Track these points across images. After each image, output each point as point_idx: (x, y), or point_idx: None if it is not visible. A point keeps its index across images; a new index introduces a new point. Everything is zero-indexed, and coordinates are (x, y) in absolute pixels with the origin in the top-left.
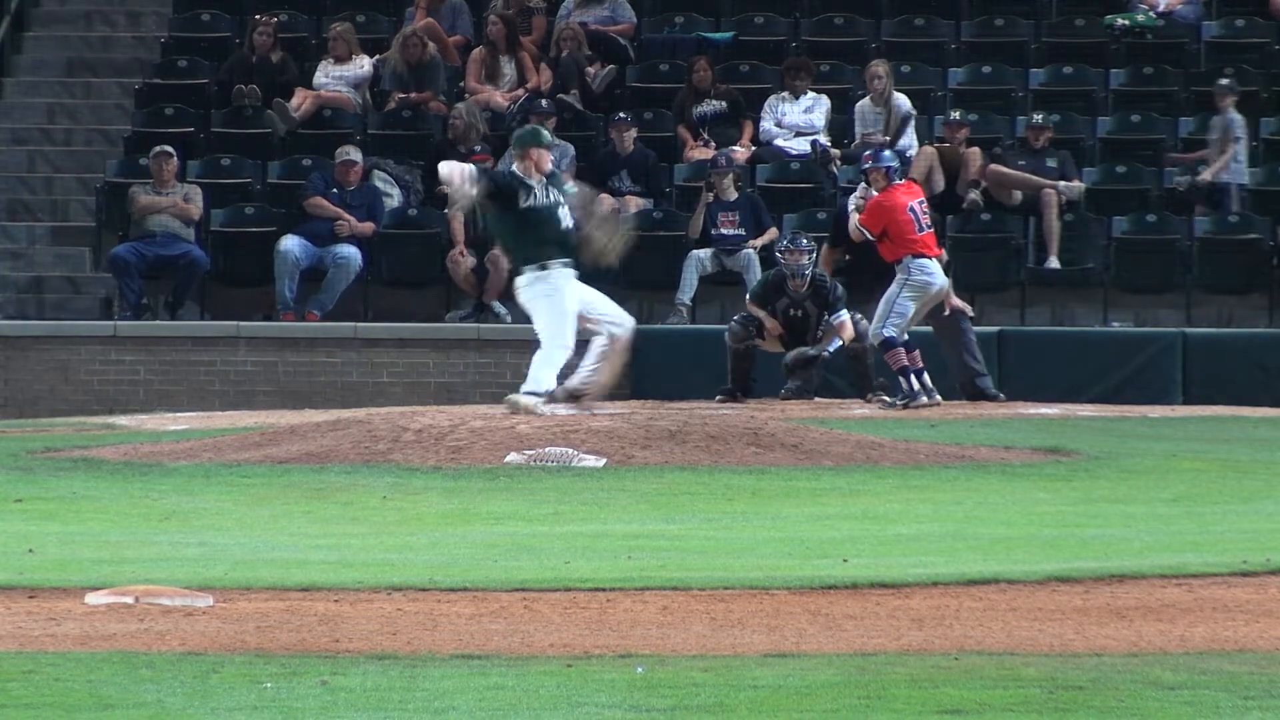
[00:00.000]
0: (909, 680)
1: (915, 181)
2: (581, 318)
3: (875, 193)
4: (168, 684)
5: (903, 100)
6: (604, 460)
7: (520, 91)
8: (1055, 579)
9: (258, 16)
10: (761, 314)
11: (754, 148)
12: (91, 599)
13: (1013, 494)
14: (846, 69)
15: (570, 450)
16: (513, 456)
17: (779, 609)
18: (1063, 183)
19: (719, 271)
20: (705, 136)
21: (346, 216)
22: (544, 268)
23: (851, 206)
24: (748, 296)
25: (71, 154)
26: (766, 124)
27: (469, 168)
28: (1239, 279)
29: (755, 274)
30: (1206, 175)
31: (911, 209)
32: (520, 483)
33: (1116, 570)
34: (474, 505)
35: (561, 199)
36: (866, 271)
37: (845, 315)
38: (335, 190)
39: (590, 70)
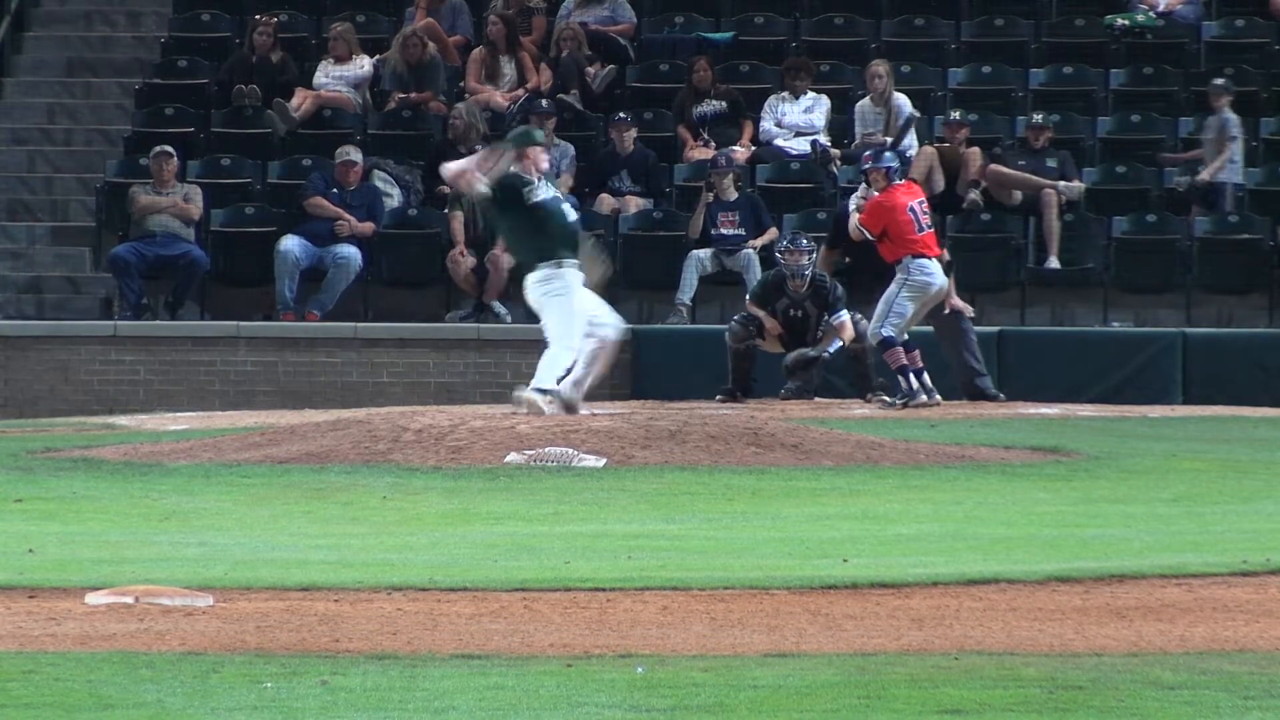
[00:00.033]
0: (909, 680)
1: (915, 181)
2: None
3: (875, 193)
4: (168, 684)
5: (903, 101)
6: (604, 460)
7: (520, 91)
8: (1055, 579)
9: (258, 16)
10: (761, 314)
11: (754, 148)
12: (91, 599)
13: (1013, 494)
14: (846, 69)
15: (570, 450)
16: (513, 456)
17: (779, 609)
18: (1063, 183)
19: (719, 271)
20: (705, 136)
21: (346, 216)
22: (559, 265)
23: (852, 207)
24: (748, 297)
25: (71, 154)
26: (766, 124)
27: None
28: (1239, 279)
29: (755, 274)
30: (1205, 175)
31: (911, 209)
32: (520, 483)
33: (1116, 570)
34: (474, 505)
35: (562, 194)
36: (866, 271)
37: (845, 315)
38: (335, 190)
39: (590, 70)
